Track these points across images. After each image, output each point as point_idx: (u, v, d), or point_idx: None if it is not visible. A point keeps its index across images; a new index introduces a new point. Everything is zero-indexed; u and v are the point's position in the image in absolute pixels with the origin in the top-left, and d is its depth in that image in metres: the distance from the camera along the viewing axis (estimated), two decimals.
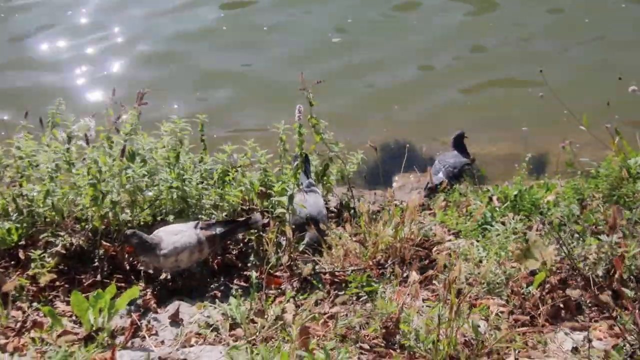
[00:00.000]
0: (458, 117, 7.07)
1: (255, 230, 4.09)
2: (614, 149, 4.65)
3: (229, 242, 4.13)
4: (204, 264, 3.97)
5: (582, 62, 7.77)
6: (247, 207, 4.50)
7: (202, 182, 4.22)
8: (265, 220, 4.26)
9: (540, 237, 3.72)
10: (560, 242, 3.52)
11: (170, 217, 4.06)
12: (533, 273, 3.46)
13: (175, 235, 3.69)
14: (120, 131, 3.99)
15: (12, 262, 3.85)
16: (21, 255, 3.85)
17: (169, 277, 3.85)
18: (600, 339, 3.12)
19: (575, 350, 3.02)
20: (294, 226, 4.01)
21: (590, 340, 2.93)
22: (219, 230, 3.84)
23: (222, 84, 7.82)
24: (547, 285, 3.45)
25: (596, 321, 3.27)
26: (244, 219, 4.03)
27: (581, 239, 3.73)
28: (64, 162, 4.00)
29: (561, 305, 3.34)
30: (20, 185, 3.99)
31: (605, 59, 7.68)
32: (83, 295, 3.23)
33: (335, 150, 4.79)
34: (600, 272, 3.50)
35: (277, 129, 4.56)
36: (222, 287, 3.83)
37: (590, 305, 3.42)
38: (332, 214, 4.88)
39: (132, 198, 4.05)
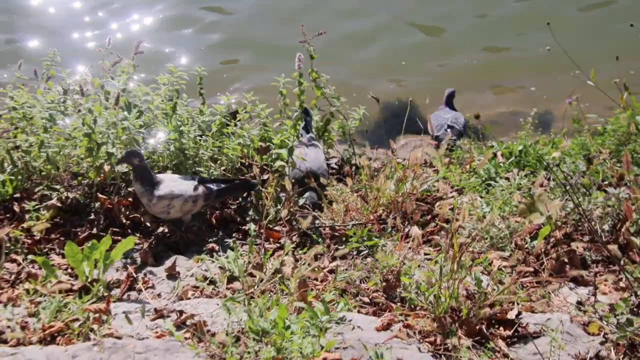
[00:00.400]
0: (462, 76, 6.96)
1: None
2: (622, 104, 4.53)
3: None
4: (202, 218, 3.91)
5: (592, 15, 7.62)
6: (247, 163, 4.41)
7: (201, 136, 4.13)
8: (265, 176, 4.19)
9: (545, 192, 3.65)
10: (568, 189, 3.43)
11: (168, 172, 3.98)
12: (538, 228, 3.39)
13: (174, 182, 3.63)
14: (115, 80, 3.90)
15: (7, 215, 3.78)
16: (16, 208, 3.78)
17: (166, 230, 3.79)
18: (605, 294, 3.05)
19: (579, 304, 2.95)
20: (293, 180, 3.94)
21: (596, 292, 2.86)
22: (216, 186, 3.77)
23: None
24: (552, 240, 3.38)
25: (601, 275, 3.20)
26: (242, 179, 3.94)
27: (587, 193, 3.64)
28: (58, 114, 3.90)
29: (566, 260, 3.27)
30: (15, 137, 3.90)
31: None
32: (78, 247, 3.16)
33: (337, 105, 4.69)
34: (606, 227, 3.43)
35: (278, 82, 4.45)
36: (219, 242, 3.77)
37: (595, 259, 3.36)
38: (333, 171, 4.80)
39: (124, 158, 3.95)
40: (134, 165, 3.53)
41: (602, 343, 2.61)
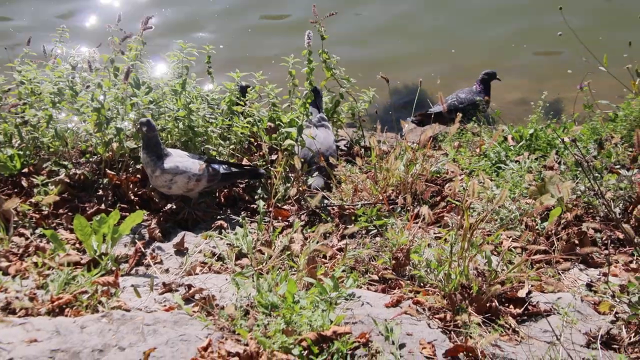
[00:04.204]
0: (472, 62, 6.94)
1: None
2: (635, 90, 4.49)
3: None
4: (210, 195, 3.89)
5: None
6: (255, 143, 4.40)
7: (211, 113, 4.11)
8: (273, 156, 4.17)
9: (556, 174, 3.62)
10: (584, 168, 3.39)
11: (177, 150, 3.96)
12: (548, 210, 3.36)
13: (181, 158, 3.61)
14: (125, 55, 3.87)
15: (15, 190, 3.77)
16: (24, 183, 3.77)
17: (174, 207, 3.78)
18: (616, 275, 3.02)
19: (590, 284, 2.93)
20: (302, 159, 3.91)
21: (609, 271, 2.84)
22: (223, 169, 3.76)
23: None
24: (563, 221, 3.35)
25: (612, 256, 3.17)
26: (251, 167, 3.93)
27: (599, 175, 3.61)
28: (67, 88, 3.88)
29: (576, 241, 3.24)
30: (23, 112, 3.89)
31: None
32: (87, 221, 3.15)
33: (347, 86, 4.66)
34: (618, 210, 3.41)
35: (287, 63, 4.42)
36: (228, 219, 3.76)
37: (605, 242, 3.33)
38: (342, 152, 4.78)
39: (137, 127, 3.94)
40: (142, 133, 3.52)
41: (613, 322, 2.59)
